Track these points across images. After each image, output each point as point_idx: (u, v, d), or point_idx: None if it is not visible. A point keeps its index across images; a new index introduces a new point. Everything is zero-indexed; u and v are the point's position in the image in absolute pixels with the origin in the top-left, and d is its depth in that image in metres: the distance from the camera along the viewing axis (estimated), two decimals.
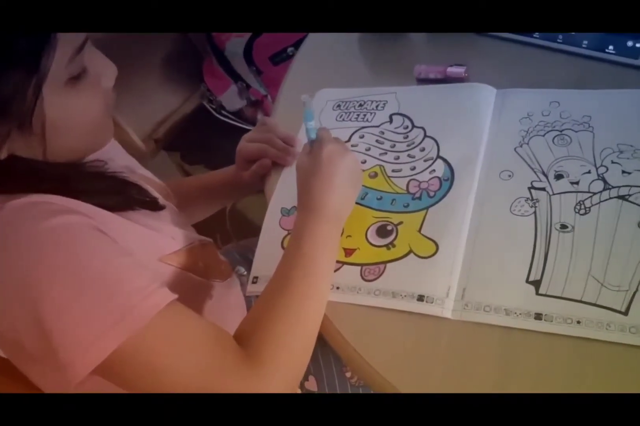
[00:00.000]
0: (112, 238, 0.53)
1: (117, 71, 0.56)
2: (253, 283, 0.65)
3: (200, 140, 1.30)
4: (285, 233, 0.67)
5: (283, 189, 0.72)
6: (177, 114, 1.36)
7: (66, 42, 0.50)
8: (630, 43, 0.70)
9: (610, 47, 0.72)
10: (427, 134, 0.72)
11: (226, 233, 1.35)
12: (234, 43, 1.22)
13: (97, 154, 0.61)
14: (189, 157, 1.33)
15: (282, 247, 0.66)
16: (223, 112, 1.30)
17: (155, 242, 0.61)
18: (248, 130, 0.79)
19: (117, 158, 0.66)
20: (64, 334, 0.47)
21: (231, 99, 1.28)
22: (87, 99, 0.54)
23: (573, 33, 0.74)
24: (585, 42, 0.73)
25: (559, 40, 0.75)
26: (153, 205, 0.64)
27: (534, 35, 0.76)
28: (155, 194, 0.67)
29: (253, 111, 1.31)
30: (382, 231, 0.65)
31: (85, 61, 0.53)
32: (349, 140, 0.75)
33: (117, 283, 0.49)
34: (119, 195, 0.60)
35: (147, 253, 0.59)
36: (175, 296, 0.52)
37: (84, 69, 0.53)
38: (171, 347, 0.50)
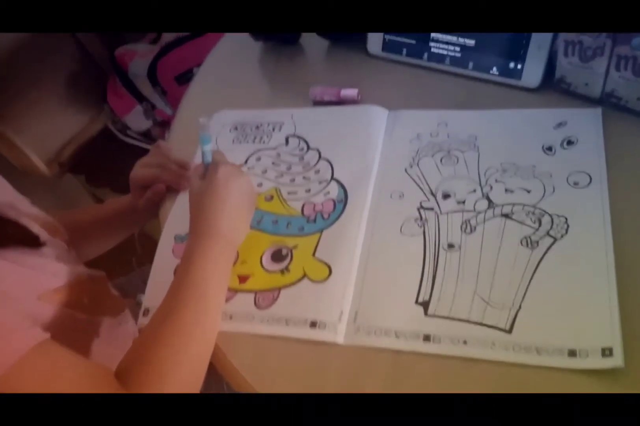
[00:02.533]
0: None
1: None
2: (144, 315, 0.62)
3: (106, 162, 1.26)
4: (178, 261, 0.65)
5: (177, 216, 0.69)
6: (82, 136, 1.31)
7: None
8: (512, 65, 0.73)
9: (494, 68, 0.74)
10: (322, 156, 0.71)
11: (140, 257, 1.30)
12: (137, 64, 1.19)
13: None
14: (94, 180, 1.28)
15: None
16: (129, 132, 1.26)
17: (34, 280, 0.57)
18: None
19: None
20: None
21: (137, 119, 1.25)
22: None
23: (459, 55, 0.76)
24: (471, 63, 0.76)
25: (446, 62, 0.77)
26: (32, 242, 0.61)
27: (423, 58, 0.78)
28: (37, 230, 0.63)
29: (161, 131, 1.28)
30: (277, 256, 0.63)
31: None
32: (245, 162, 0.74)
33: None
34: None
35: (23, 292, 0.55)
36: (47, 335, 0.48)
37: None
38: (43, 389, 0.46)
